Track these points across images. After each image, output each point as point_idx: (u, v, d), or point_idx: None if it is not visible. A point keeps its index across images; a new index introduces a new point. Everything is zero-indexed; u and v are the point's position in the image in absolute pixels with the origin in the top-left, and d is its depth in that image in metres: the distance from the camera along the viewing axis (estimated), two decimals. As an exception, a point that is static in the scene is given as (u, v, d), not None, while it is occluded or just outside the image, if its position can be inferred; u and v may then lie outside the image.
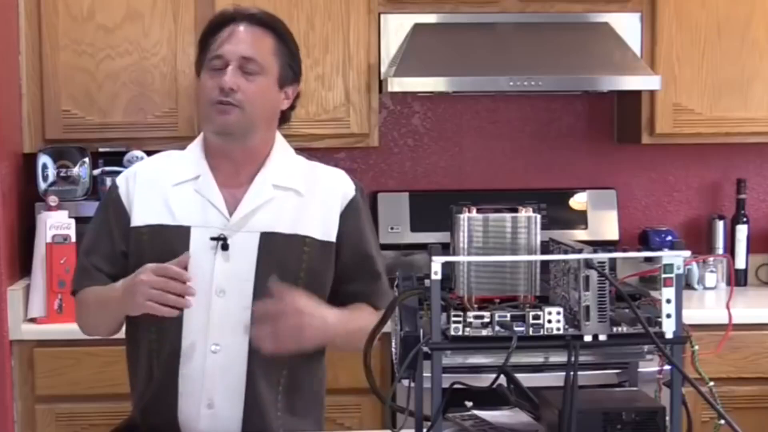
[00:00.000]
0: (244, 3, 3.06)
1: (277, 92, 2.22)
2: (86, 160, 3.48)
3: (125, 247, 2.21)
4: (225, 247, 2.15)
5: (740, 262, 3.92)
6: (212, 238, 2.16)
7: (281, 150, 2.27)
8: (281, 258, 2.17)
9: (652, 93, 3.67)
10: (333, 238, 2.22)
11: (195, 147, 2.27)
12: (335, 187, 2.26)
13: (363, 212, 2.29)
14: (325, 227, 2.22)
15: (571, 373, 1.59)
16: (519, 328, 1.59)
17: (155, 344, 2.18)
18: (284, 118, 2.28)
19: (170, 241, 2.16)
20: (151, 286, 2.02)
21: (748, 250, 3.93)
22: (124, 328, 2.27)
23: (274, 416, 2.18)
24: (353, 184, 2.29)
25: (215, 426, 2.14)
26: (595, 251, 1.63)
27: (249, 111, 2.16)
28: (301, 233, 2.19)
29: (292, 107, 2.28)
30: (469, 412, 1.86)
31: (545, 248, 1.72)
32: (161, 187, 2.22)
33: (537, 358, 1.87)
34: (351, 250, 2.24)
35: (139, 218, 2.21)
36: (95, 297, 2.22)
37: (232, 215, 2.18)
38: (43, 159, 3.47)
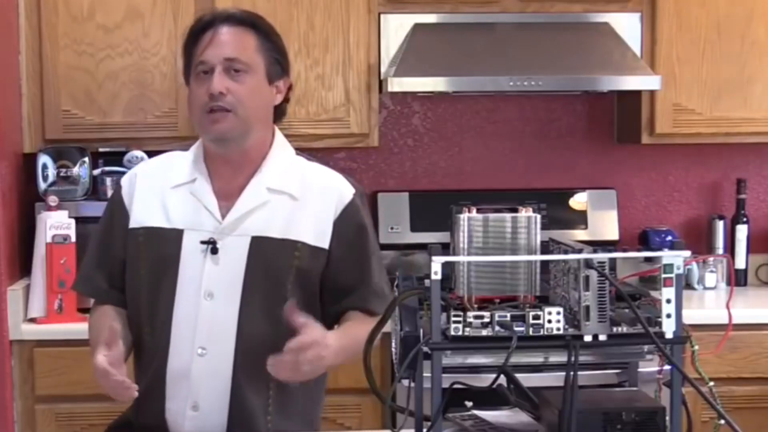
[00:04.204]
0: (244, 4, 3.06)
1: (268, 88, 2.21)
2: (86, 160, 3.48)
3: (124, 253, 2.23)
4: (214, 251, 2.15)
5: (740, 262, 3.92)
6: (202, 242, 2.15)
7: (280, 151, 2.26)
8: (271, 262, 2.16)
9: (652, 93, 3.68)
10: (326, 245, 2.20)
11: (196, 149, 2.27)
12: (331, 193, 2.23)
13: (361, 218, 2.25)
14: (317, 233, 2.20)
15: (571, 373, 1.59)
16: (519, 328, 1.59)
17: (148, 344, 2.19)
18: (280, 112, 2.27)
19: (163, 244, 2.17)
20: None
21: (748, 250, 3.93)
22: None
23: (263, 420, 2.17)
24: (352, 189, 2.25)
25: (201, 427, 2.14)
26: (595, 251, 1.63)
27: (242, 113, 2.15)
28: (293, 238, 2.18)
29: (286, 100, 2.27)
30: (469, 412, 1.86)
31: (545, 248, 1.72)
32: (160, 189, 2.22)
33: (537, 358, 1.86)
34: (345, 260, 2.22)
35: (136, 220, 2.22)
36: (92, 336, 2.22)
37: (224, 219, 2.18)
38: (43, 159, 3.47)
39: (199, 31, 2.20)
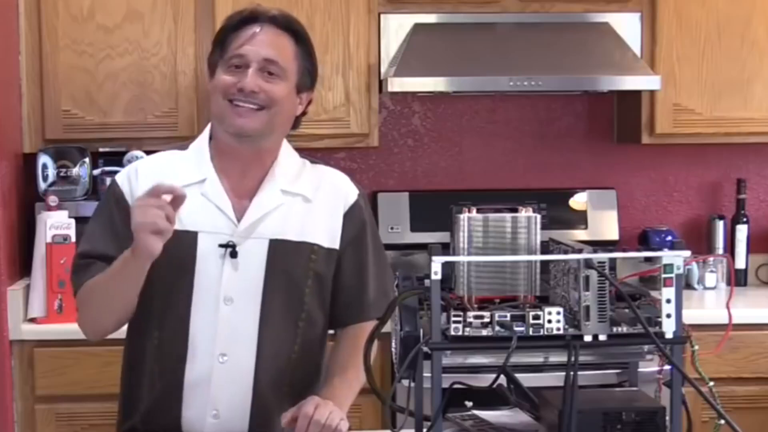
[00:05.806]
0: (243, 3, 3.06)
1: (295, 97, 2.18)
2: (86, 160, 3.48)
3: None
4: (234, 255, 2.11)
5: (740, 262, 3.92)
6: (221, 245, 2.11)
7: (287, 154, 2.24)
8: (289, 266, 2.14)
9: (652, 93, 3.68)
10: (337, 245, 2.20)
11: (199, 147, 2.21)
12: (338, 192, 2.23)
13: (364, 217, 2.25)
14: (330, 234, 2.19)
15: (571, 373, 1.59)
16: (519, 328, 1.59)
17: (159, 350, 2.13)
18: (295, 124, 2.24)
19: (176, 246, 2.05)
20: (148, 212, 1.93)
21: (748, 250, 3.94)
22: (126, 331, 2.22)
23: (278, 423, 2.16)
24: (356, 190, 2.26)
25: None
26: (595, 251, 1.63)
27: (273, 112, 2.11)
28: (309, 240, 2.16)
29: (303, 113, 2.24)
30: (469, 412, 1.86)
31: (545, 248, 1.72)
32: None
33: (537, 358, 1.87)
34: (347, 256, 2.22)
35: None
36: (102, 277, 2.10)
37: (240, 221, 2.13)
38: (43, 159, 3.47)
39: (240, 23, 2.15)
